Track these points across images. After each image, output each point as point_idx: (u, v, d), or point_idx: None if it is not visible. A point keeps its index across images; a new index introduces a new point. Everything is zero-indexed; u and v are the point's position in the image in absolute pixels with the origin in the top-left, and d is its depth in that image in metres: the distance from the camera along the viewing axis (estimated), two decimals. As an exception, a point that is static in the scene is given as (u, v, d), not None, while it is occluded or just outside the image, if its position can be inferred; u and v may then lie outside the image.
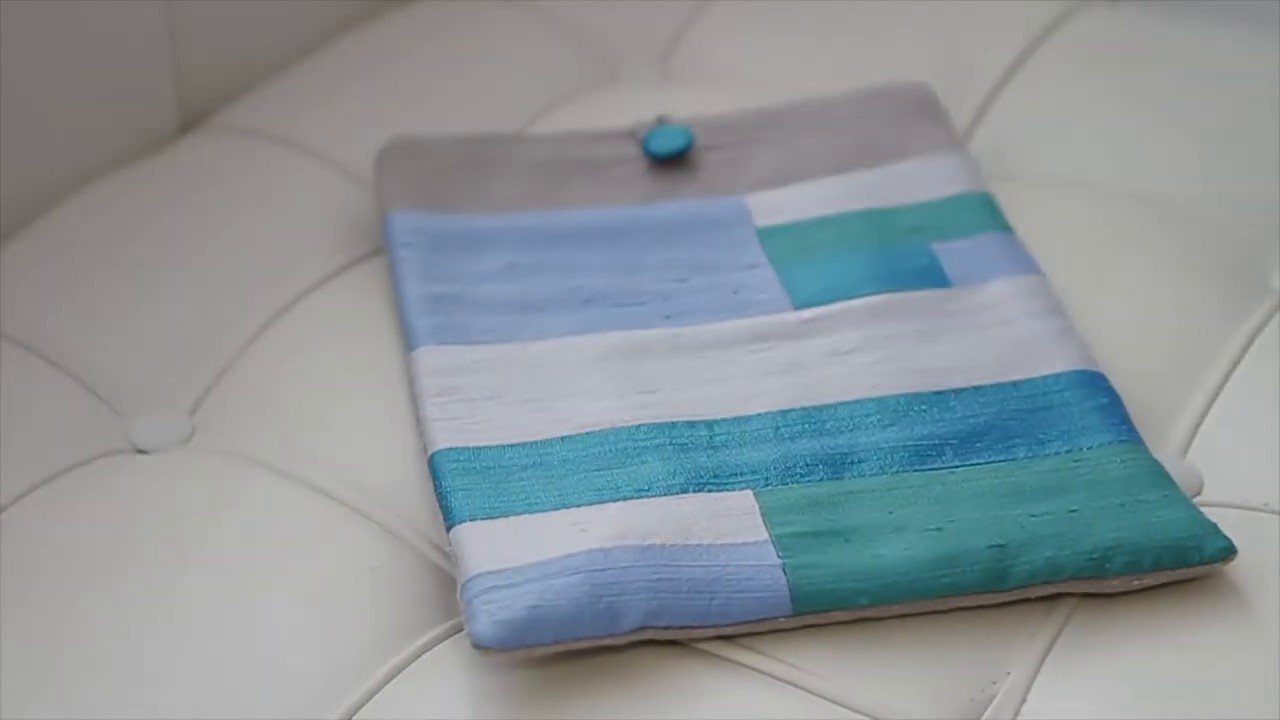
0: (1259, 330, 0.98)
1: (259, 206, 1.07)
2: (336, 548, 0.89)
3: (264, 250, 1.04)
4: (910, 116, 1.07)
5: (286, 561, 0.88)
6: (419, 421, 0.91)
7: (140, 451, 0.95)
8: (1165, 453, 0.93)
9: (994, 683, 0.82)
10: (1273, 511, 0.89)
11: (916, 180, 1.03)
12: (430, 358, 0.93)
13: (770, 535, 0.84)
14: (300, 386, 0.97)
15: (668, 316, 0.96)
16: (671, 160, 1.06)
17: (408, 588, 0.87)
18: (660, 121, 1.07)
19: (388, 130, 1.10)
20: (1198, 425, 0.94)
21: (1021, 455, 0.88)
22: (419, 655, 0.84)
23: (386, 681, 0.83)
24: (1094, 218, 1.05)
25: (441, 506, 0.87)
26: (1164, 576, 0.84)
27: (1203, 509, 0.88)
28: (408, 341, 0.95)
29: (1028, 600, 0.84)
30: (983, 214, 1.01)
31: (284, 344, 0.99)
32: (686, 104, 1.12)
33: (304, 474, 0.92)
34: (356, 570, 0.87)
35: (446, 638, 0.85)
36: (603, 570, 0.82)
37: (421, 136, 1.06)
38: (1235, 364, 0.97)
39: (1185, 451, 0.93)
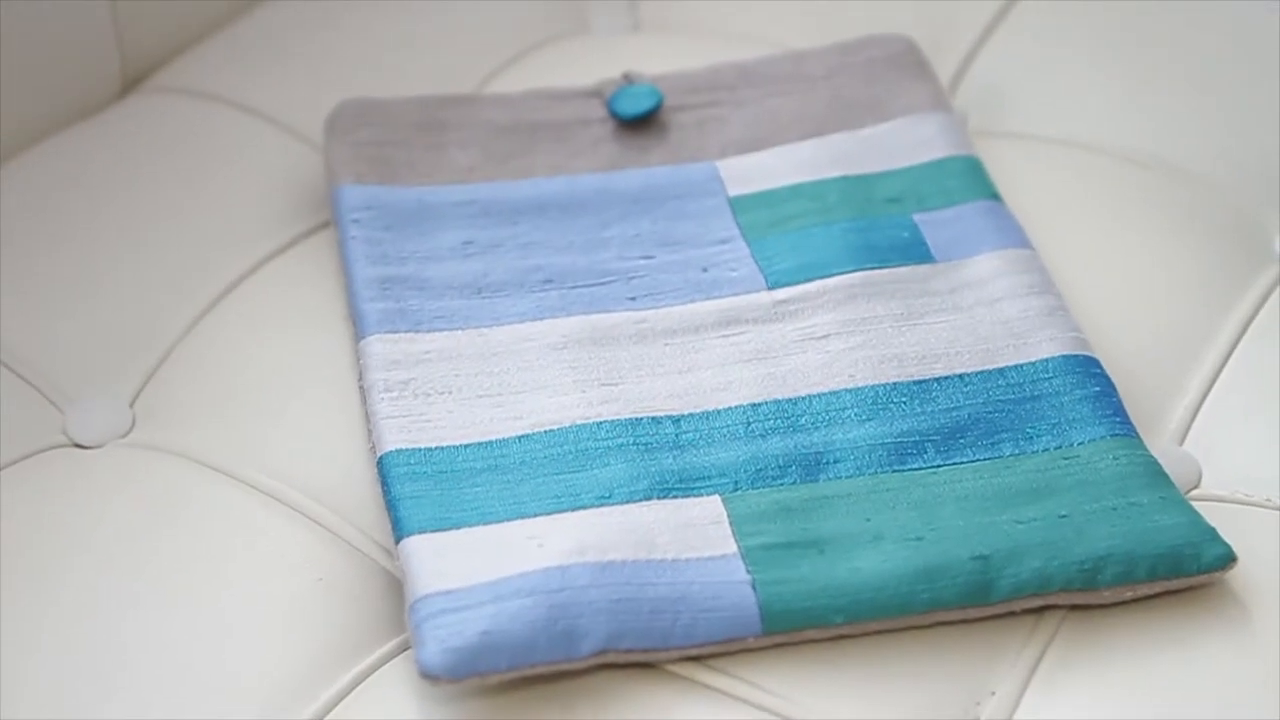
0: (1261, 303, 0.93)
1: (204, 175, 1.01)
2: (282, 556, 0.84)
3: (209, 223, 0.98)
4: (892, 73, 1.01)
5: (229, 571, 0.83)
6: (368, 418, 0.86)
7: (78, 446, 0.89)
8: (1160, 441, 0.87)
9: (978, 703, 0.77)
10: (1275, 508, 0.84)
11: (898, 143, 0.97)
12: (380, 348, 0.88)
13: (739, 547, 0.79)
14: (246, 374, 0.91)
15: (632, 298, 0.90)
16: (639, 122, 1.00)
17: (356, 600, 0.82)
18: (627, 79, 1.01)
19: (340, 88, 1.04)
20: (1196, 409, 0.89)
21: (1008, 452, 0.83)
22: (367, 675, 0.79)
23: (333, 705, 0.78)
24: (1085, 180, 0.99)
25: (390, 516, 0.81)
26: (1159, 586, 0.79)
27: (1200, 503, 0.83)
28: (356, 329, 0.90)
29: (1013, 613, 0.79)
30: (968, 181, 0.95)
31: (230, 326, 0.94)
32: (657, 57, 1.06)
33: (248, 474, 0.87)
34: (302, 582, 0.83)
35: (396, 655, 0.80)
36: (560, 590, 0.76)
37: (373, 100, 1.00)
38: (1236, 341, 0.91)
39: (1182, 439, 0.88)
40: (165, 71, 1.08)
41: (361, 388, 0.88)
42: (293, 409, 0.89)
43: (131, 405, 0.91)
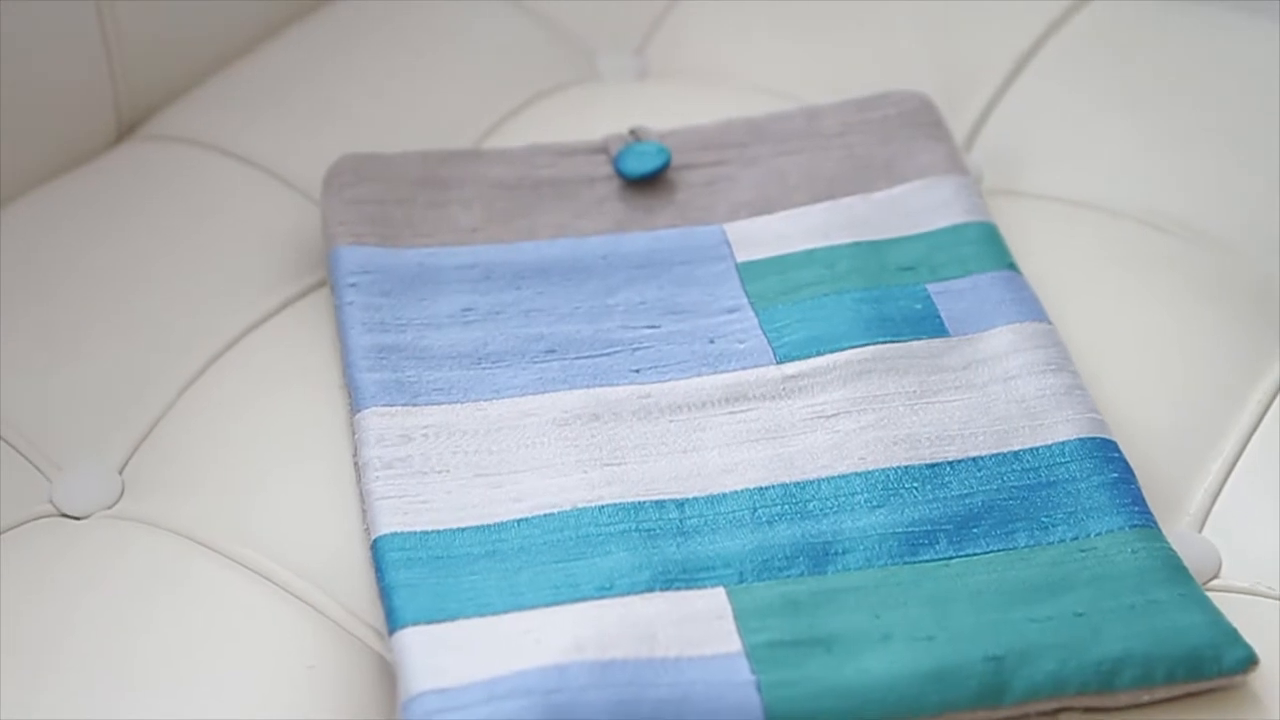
0: (1286, 381, 0.90)
1: (198, 228, 0.98)
2: (272, 641, 0.81)
3: (203, 280, 0.96)
4: (906, 132, 0.98)
5: (217, 657, 0.80)
6: (362, 497, 0.83)
7: (65, 516, 0.87)
8: (1179, 527, 0.85)
9: (989, 811, 0.75)
10: (1298, 602, 0.81)
11: (912, 208, 0.95)
12: (376, 421, 0.85)
13: (744, 645, 0.76)
14: (238, 443, 0.89)
15: (636, 370, 0.88)
16: (646, 180, 0.97)
17: (348, 688, 0.79)
18: (635, 136, 0.98)
19: (340, 136, 1.02)
20: (1216, 493, 0.86)
21: (1022, 543, 0.80)
22: (359, 772, 0.77)
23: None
24: (1104, 245, 0.96)
25: (384, 604, 0.79)
26: (1177, 690, 0.76)
27: (1219, 595, 0.81)
28: (352, 400, 0.87)
29: (1027, 716, 0.76)
30: (984, 249, 0.92)
31: (223, 391, 0.91)
32: (665, 108, 1.03)
33: (239, 551, 0.84)
34: (293, 669, 0.80)
35: (389, 748, 0.78)
36: (557, 691, 0.74)
37: (373, 156, 0.97)
38: (1259, 421, 0.88)
39: (1201, 525, 0.85)
40: (161, 117, 1.05)
41: (356, 464, 0.85)
42: (286, 482, 0.87)
43: (120, 472, 0.89)
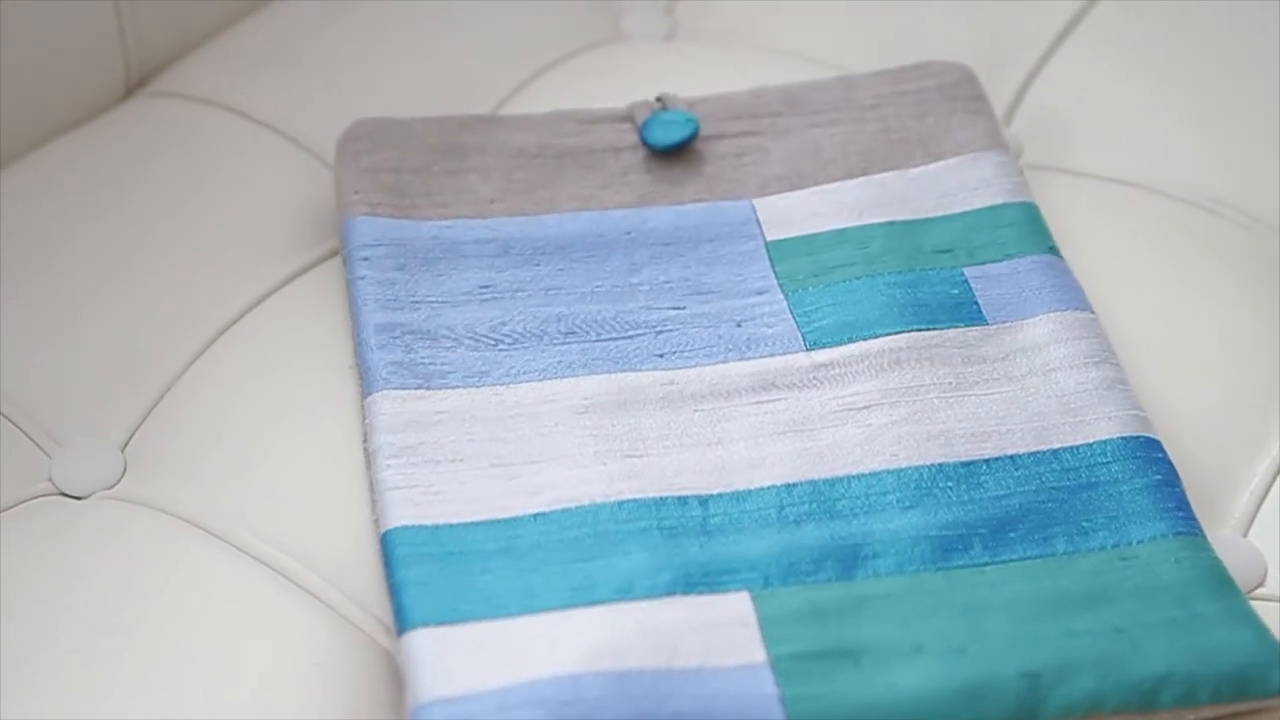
0: (1340, 375, 0.86)
1: (205, 192, 0.95)
2: (275, 635, 0.78)
3: (211, 248, 0.92)
4: (946, 105, 0.94)
5: (217, 651, 0.77)
6: (372, 485, 0.80)
7: (65, 495, 0.84)
8: (1222, 531, 0.81)
9: (1021, 834, 0.71)
10: (1349, 615, 0.78)
11: (950, 186, 0.91)
12: (388, 405, 0.82)
13: (768, 655, 0.73)
14: (245, 421, 0.85)
15: (660, 355, 0.84)
16: (672, 151, 0.93)
17: (353, 688, 0.76)
18: (661, 103, 0.95)
19: (354, 96, 0.98)
20: (1264, 495, 0.82)
21: (1061, 550, 0.77)
22: (365, 777, 0.74)
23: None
24: (1149, 228, 0.92)
25: (393, 603, 0.75)
26: (1221, 710, 0.73)
27: (1265, 605, 0.77)
28: (364, 382, 0.83)
29: (1063, 735, 0.73)
30: (1024, 231, 0.88)
31: (231, 365, 0.87)
32: (693, 71, 0.99)
33: (242, 538, 0.81)
34: (299, 663, 0.77)
35: (398, 750, 0.75)
36: (572, 703, 0.71)
37: (389, 121, 0.93)
38: (1310, 418, 0.85)
39: (1246, 529, 0.82)
40: (170, 73, 1.02)
41: (366, 450, 0.82)
42: (293, 464, 0.83)
43: (123, 450, 0.85)
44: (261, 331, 0.89)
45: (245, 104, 0.98)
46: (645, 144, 0.93)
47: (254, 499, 0.82)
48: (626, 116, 0.94)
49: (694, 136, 0.93)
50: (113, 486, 0.84)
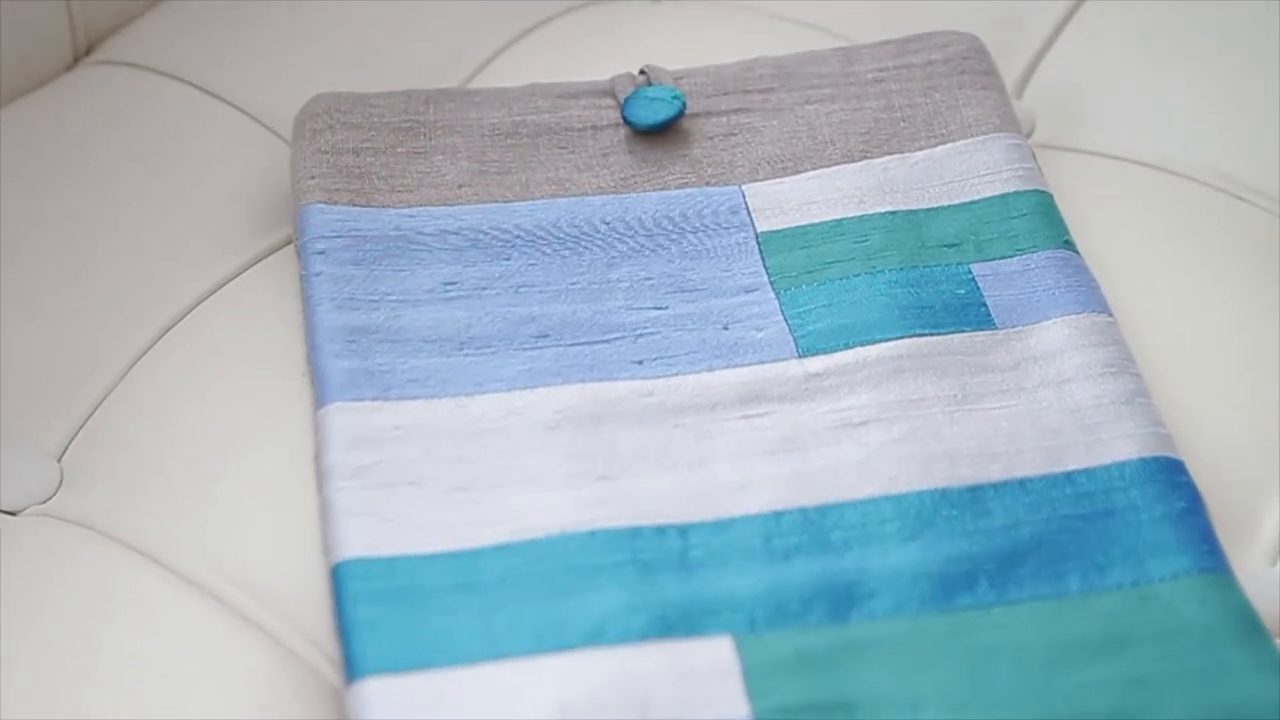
0: (1375, 384, 0.79)
1: (156, 172, 0.88)
2: (218, 676, 0.71)
3: (159, 233, 0.85)
4: (952, 81, 0.87)
5: (160, 686, 0.71)
6: (323, 509, 0.74)
7: (-3, 510, 0.78)
8: (1248, 560, 0.75)
9: None
10: (1387, 658, 0.71)
11: (957, 171, 0.84)
12: (341, 421, 0.75)
13: (751, 710, 0.66)
14: (191, 430, 0.79)
15: (639, 362, 0.77)
16: (657, 130, 0.86)
17: (304, 732, 0.70)
18: (645, 76, 0.87)
19: (313, 69, 0.91)
20: (1294, 520, 0.76)
21: (1075, 588, 0.70)
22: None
23: None
24: (1169, 215, 0.85)
25: (342, 646, 0.69)
26: (1248, 770, 0.66)
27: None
28: (316, 392, 0.77)
29: (1074, 798, 0.67)
30: (1037, 223, 0.81)
31: (177, 366, 0.81)
32: (681, 36, 0.92)
33: (185, 565, 0.74)
34: (243, 706, 0.70)
35: (348, 807, 0.68)
36: (536, 766, 0.64)
37: (350, 96, 0.87)
38: (1344, 432, 0.78)
39: (1276, 559, 0.75)
40: (120, 39, 0.95)
41: (317, 468, 0.75)
42: (244, 481, 0.77)
43: (59, 460, 0.79)
44: (213, 327, 0.82)
45: (199, 75, 0.92)
46: (627, 123, 0.86)
47: (198, 520, 0.76)
48: (608, 91, 0.87)
49: (679, 115, 0.85)
50: (47, 501, 0.78)
